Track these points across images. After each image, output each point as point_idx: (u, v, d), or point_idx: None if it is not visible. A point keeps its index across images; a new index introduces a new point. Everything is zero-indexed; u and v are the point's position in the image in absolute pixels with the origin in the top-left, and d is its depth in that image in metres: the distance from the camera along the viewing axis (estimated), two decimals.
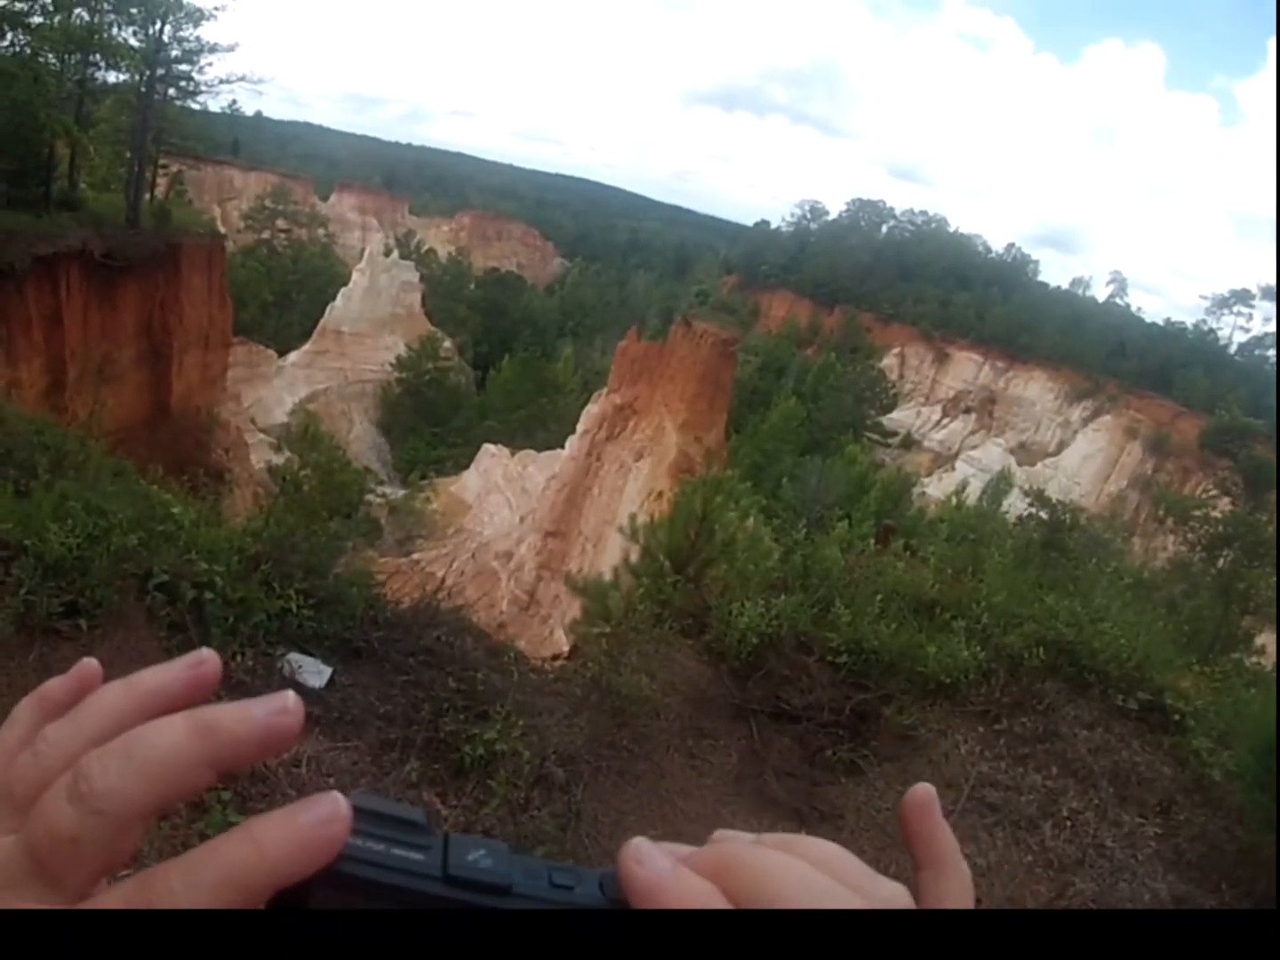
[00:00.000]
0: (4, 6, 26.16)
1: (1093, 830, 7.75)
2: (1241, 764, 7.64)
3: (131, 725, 0.49)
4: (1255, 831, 7.57)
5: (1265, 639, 15.21)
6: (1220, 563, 13.39)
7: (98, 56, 30.85)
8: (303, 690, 6.89)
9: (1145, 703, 8.82)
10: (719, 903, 0.48)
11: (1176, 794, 8.20)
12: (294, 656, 7.13)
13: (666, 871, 0.49)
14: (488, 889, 0.48)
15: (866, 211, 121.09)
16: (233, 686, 6.52)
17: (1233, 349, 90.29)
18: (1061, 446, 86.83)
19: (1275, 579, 12.18)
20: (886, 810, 7.84)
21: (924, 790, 0.59)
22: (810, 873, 0.50)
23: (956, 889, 0.57)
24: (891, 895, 0.52)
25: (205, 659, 0.54)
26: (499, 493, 59.54)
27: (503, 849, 0.50)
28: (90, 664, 0.56)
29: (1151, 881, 7.42)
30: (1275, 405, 26.45)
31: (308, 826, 0.46)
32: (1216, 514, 13.99)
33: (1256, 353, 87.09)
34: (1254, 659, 13.69)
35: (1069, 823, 7.77)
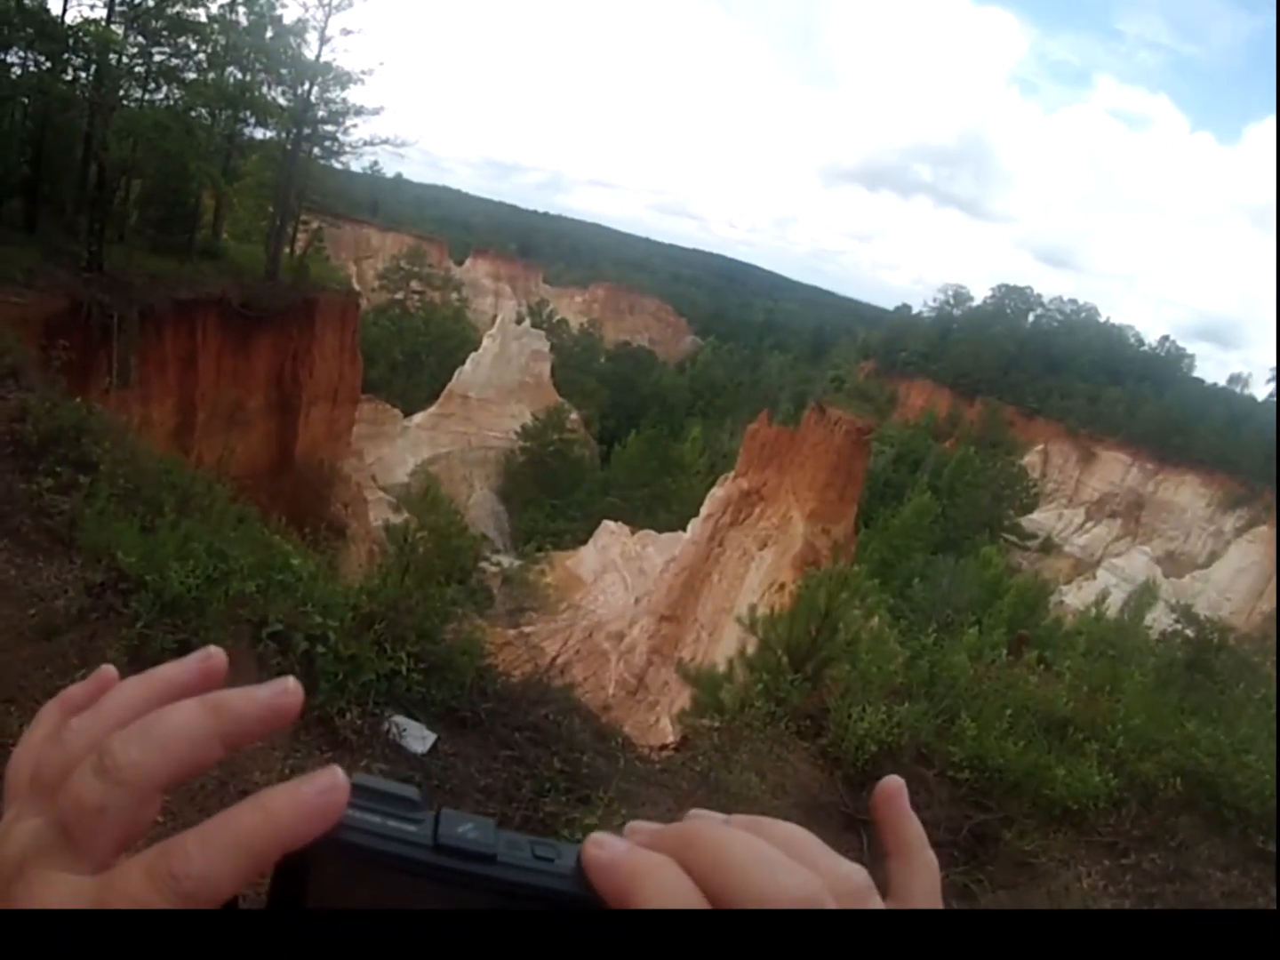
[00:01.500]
0: (161, 62, 27.69)
1: None
2: None
3: (147, 713, 0.55)
4: None
5: None
6: None
7: (248, 113, 32.28)
8: (406, 755, 7.04)
9: None
10: (671, 871, 0.52)
11: None
12: (400, 719, 7.26)
13: (623, 852, 0.53)
14: (474, 857, 0.52)
15: (1012, 298, 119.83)
16: (338, 744, 6.70)
17: None
18: (1212, 558, 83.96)
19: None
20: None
21: (894, 781, 0.64)
22: (769, 850, 0.53)
23: (923, 877, 0.61)
24: (848, 874, 0.55)
25: (213, 654, 0.61)
26: (615, 571, 59.62)
27: (489, 824, 0.54)
28: (109, 670, 0.63)
29: None
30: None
31: (311, 795, 0.51)
32: None
33: None
34: None
35: None
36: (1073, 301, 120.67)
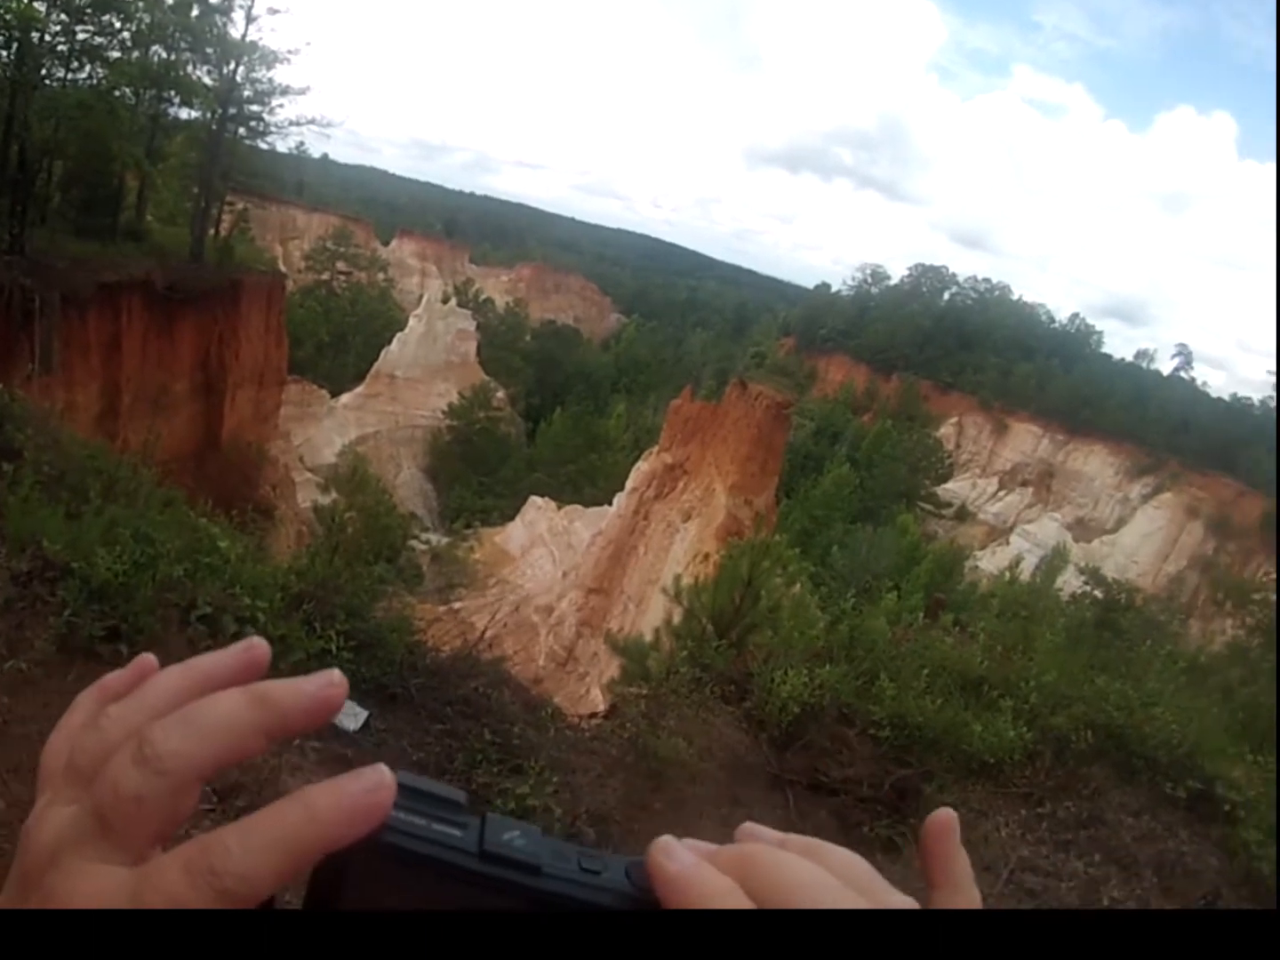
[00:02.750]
0: (84, 40, 26.96)
1: None
2: None
3: (188, 702, 0.53)
4: None
5: None
6: None
7: (172, 93, 31.64)
8: (339, 733, 6.97)
9: (1195, 791, 8.71)
10: (740, 899, 0.51)
11: (1222, 887, 8.07)
12: None
13: (691, 866, 0.52)
14: (520, 866, 0.51)
15: (929, 277, 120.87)
16: None
17: None
18: (1120, 524, 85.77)
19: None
20: (921, 891, 7.70)
21: (946, 814, 0.62)
22: (827, 877, 0.52)
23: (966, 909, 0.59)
24: (901, 904, 0.54)
25: (255, 644, 0.58)
26: (543, 546, 59.49)
27: (536, 832, 0.53)
28: (148, 658, 0.60)
29: None
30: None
31: (356, 794, 0.49)
32: (1275, 598, 13.78)
33: None
34: None
35: None
36: (986, 281, 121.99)
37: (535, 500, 64.23)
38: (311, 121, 37.24)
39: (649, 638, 13.13)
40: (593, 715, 10.92)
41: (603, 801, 7.42)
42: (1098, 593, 16.47)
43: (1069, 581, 39.61)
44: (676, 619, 11.83)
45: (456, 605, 48.59)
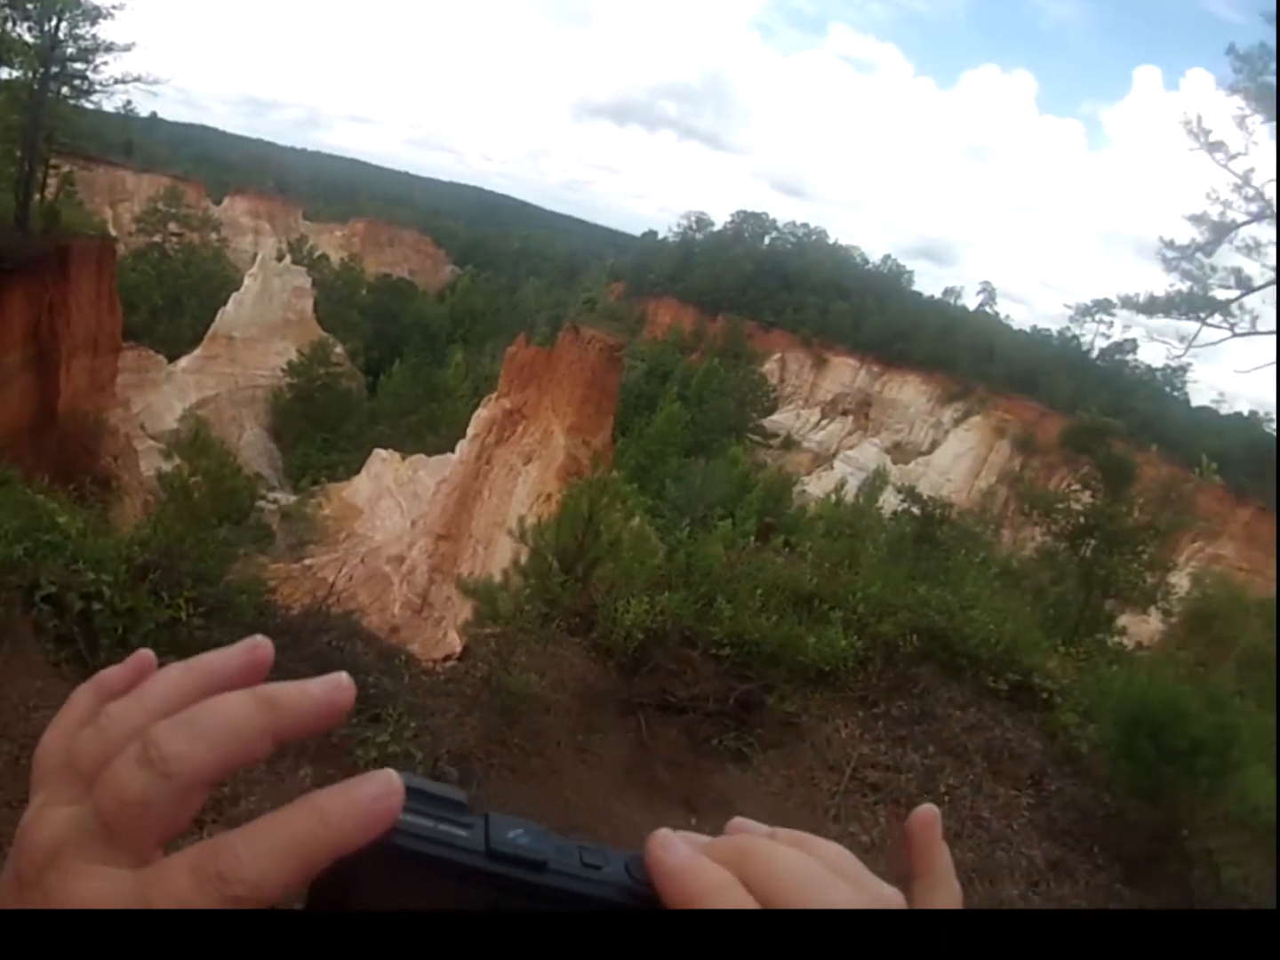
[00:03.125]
0: None
1: (970, 804, 7.93)
2: (1106, 736, 7.89)
3: (191, 703, 0.51)
4: (1121, 798, 7.82)
5: (1125, 620, 15.70)
6: (1083, 551, 13.73)
7: None
8: None
9: (1015, 683, 9.04)
10: (738, 891, 0.51)
11: (1046, 766, 8.42)
12: None
13: (689, 860, 0.52)
14: (526, 864, 0.50)
15: (750, 223, 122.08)
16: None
17: (1094, 354, 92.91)
18: (934, 446, 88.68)
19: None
20: (773, 795, 7.91)
21: (929, 809, 0.62)
22: (819, 869, 0.53)
23: (946, 902, 0.60)
24: (890, 896, 0.55)
25: (260, 644, 0.55)
26: (390, 497, 58.63)
27: (538, 829, 0.52)
28: (146, 654, 0.58)
29: (1027, 849, 7.62)
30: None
31: (366, 799, 0.48)
32: (1078, 506, 14.36)
33: (1116, 357, 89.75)
34: (1115, 639, 14.10)
35: (947, 798, 7.93)
36: (804, 225, 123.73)
37: (379, 453, 63.10)
38: (138, 79, 34.83)
39: (498, 579, 13.02)
40: (447, 658, 10.81)
41: (462, 741, 7.35)
42: (915, 510, 16.87)
43: (889, 501, 40.71)
44: (523, 559, 11.74)
45: (309, 562, 47.51)
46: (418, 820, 0.50)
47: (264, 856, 0.46)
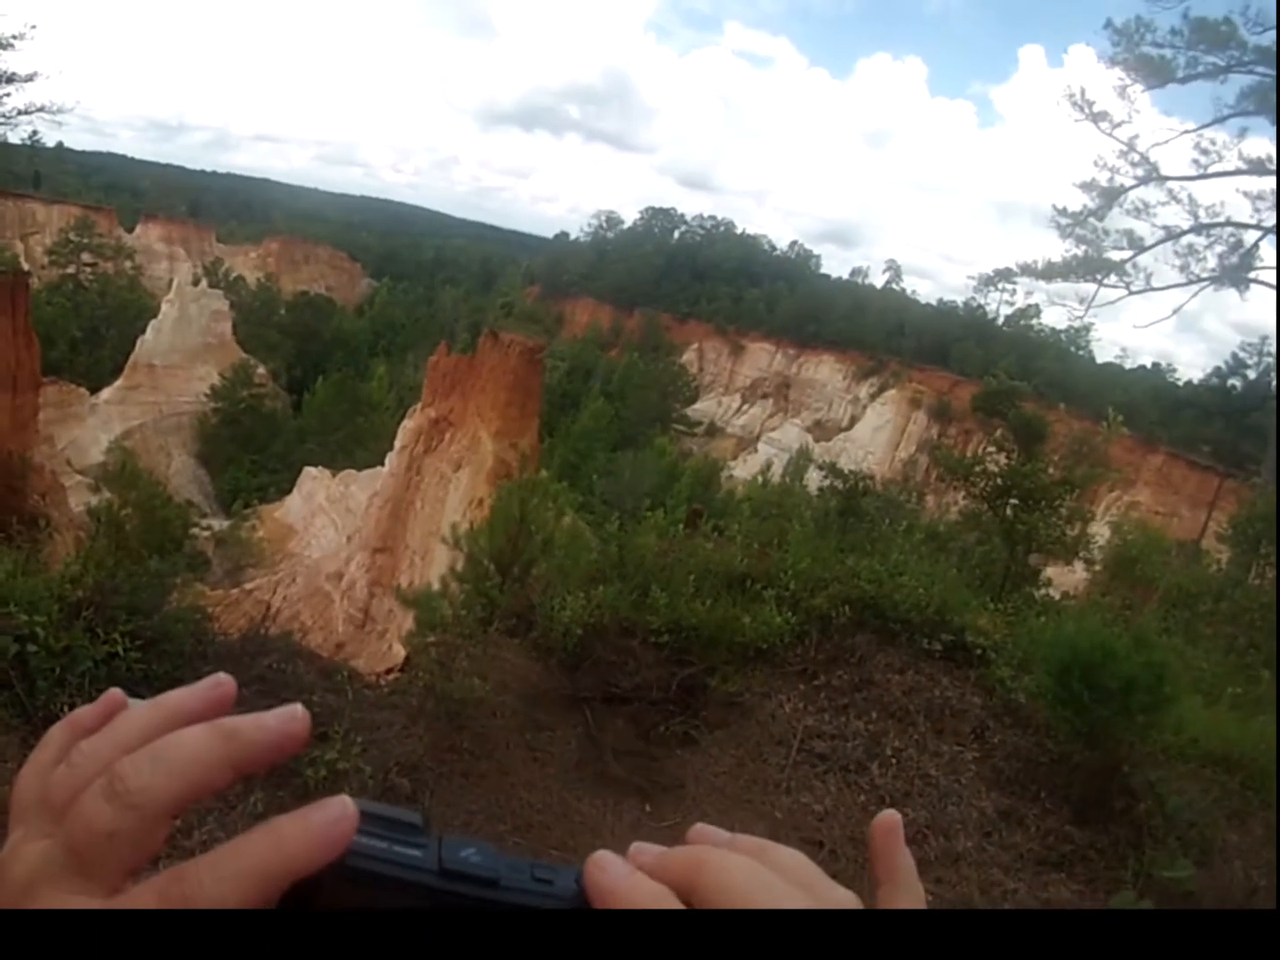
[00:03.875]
0: None
1: (916, 763, 7.98)
2: (1041, 685, 7.95)
3: (157, 738, 0.53)
4: (1062, 742, 7.92)
5: (1051, 572, 15.91)
6: (1004, 511, 13.92)
7: None
8: None
9: (949, 643, 9.11)
10: (670, 902, 0.52)
11: (987, 720, 8.49)
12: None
13: (622, 877, 0.53)
14: (478, 881, 0.52)
15: (659, 219, 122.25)
16: None
17: (1000, 321, 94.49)
18: (854, 421, 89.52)
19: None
20: (724, 775, 7.89)
21: (891, 816, 0.63)
22: (771, 876, 0.53)
23: (909, 904, 0.61)
24: (844, 900, 0.56)
25: (223, 681, 0.58)
26: (324, 514, 57.88)
27: (490, 849, 0.54)
28: (117, 693, 0.59)
29: (977, 801, 7.67)
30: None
31: (321, 824, 0.50)
32: (994, 468, 14.57)
33: (1021, 323, 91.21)
34: (1042, 591, 14.28)
35: (894, 760, 7.99)
36: (712, 218, 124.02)
37: (310, 471, 62.24)
38: (42, 109, 33.86)
39: (437, 587, 12.88)
40: (389, 671, 10.68)
41: (411, 751, 7.23)
42: (838, 484, 16.97)
43: (814, 479, 41.04)
44: (460, 565, 11.62)
45: (249, 586, 46.84)
46: (372, 842, 0.51)
47: (226, 880, 0.48)
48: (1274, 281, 30.54)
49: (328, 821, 0.50)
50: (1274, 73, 28.42)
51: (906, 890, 0.60)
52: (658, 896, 0.52)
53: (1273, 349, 59.57)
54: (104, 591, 7.34)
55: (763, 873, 0.53)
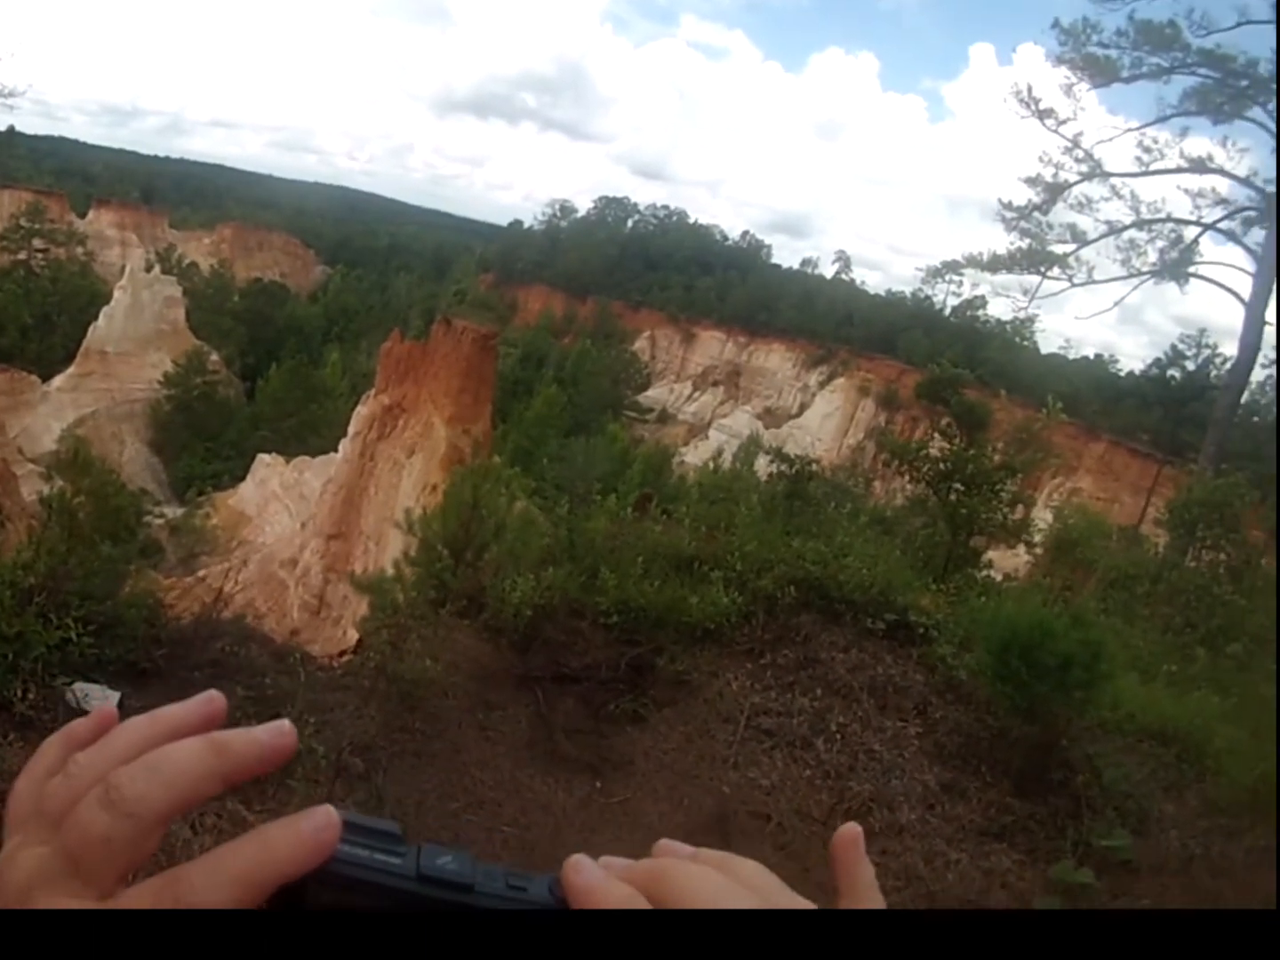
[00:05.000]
0: None
1: (860, 739, 8.08)
2: (982, 662, 8.07)
3: (150, 750, 0.55)
4: (1002, 718, 8.04)
5: (993, 555, 16.16)
6: (948, 495, 14.07)
7: None
8: None
9: (892, 622, 9.21)
10: (641, 904, 0.54)
11: (930, 696, 8.61)
12: (80, 685, 6.62)
13: (596, 879, 0.56)
14: (454, 887, 0.55)
15: (612, 208, 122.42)
16: (18, 724, 6.04)
17: (947, 312, 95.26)
18: (803, 409, 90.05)
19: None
20: (673, 751, 7.95)
21: (852, 828, 0.65)
22: (730, 885, 0.56)
23: None
24: (802, 907, 0.57)
25: (214, 698, 0.61)
26: (278, 501, 57.32)
27: (466, 857, 0.56)
28: (110, 708, 0.62)
29: (920, 774, 7.78)
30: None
31: (307, 831, 0.53)
32: (936, 453, 14.72)
33: (968, 314, 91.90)
34: (984, 573, 14.46)
35: (839, 736, 8.08)
36: (665, 207, 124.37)
37: (263, 458, 61.56)
38: None
39: (391, 571, 12.85)
40: (341, 653, 10.65)
41: (363, 731, 7.24)
42: (785, 469, 17.07)
43: (763, 465, 41.26)
44: (413, 550, 11.60)
45: (202, 573, 46.22)
46: (354, 850, 0.54)
47: (216, 883, 0.50)
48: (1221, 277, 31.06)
49: (313, 829, 0.53)
50: (1217, 75, 28.89)
51: (868, 900, 0.62)
52: (630, 898, 0.54)
53: (1211, 341, 60.71)
54: (57, 578, 7.26)
55: (721, 880, 0.56)
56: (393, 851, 0.55)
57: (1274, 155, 28.63)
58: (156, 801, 0.52)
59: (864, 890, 0.63)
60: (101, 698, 6.61)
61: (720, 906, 0.54)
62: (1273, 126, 28.34)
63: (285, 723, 0.58)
